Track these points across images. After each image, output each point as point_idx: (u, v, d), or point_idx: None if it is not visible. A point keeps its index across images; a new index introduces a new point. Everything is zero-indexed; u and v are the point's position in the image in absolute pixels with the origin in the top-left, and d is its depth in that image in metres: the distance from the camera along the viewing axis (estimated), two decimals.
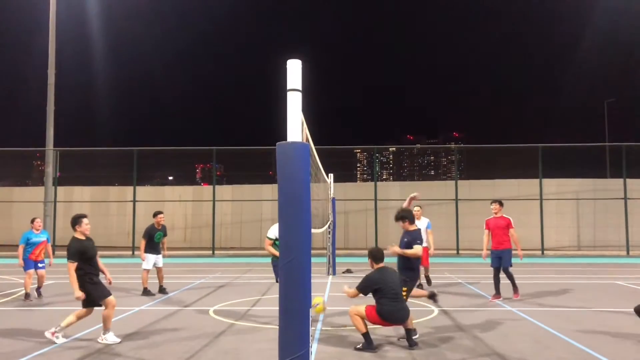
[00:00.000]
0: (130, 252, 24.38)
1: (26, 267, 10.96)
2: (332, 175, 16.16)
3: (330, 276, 14.92)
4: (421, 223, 11.67)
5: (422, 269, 10.42)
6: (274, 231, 8.94)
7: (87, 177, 30.94)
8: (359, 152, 41.26)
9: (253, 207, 28.21)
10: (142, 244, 11.80)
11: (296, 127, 4.29)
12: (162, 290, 11.75)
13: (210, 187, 30.08)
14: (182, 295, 11.63)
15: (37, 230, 11.20)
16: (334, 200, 15.80)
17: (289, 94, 4.30)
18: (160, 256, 11.96)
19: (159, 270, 11.85)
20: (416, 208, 11.72)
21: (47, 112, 24.55)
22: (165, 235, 12.10)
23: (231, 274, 16.00)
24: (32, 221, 11.31)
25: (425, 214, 12.58)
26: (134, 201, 25.26)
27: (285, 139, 4.24)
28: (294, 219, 4.20)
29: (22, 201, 28.31)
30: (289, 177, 4.22)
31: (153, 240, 11.78)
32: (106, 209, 29.59)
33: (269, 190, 29.58)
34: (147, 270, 11.66)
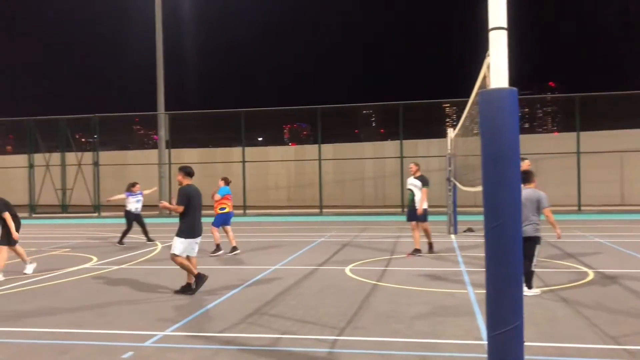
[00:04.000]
0: (242, 211, 25.00)
1: None
2: (451, 130, 15.43)
3: (452, 235, 14.42)
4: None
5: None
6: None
7: (195, 140, 31.95)
8: (447, 107, 39.63)
9: (354, 165, 27.93)
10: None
11: (503, 72, 3.79)
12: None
13: (310, 146, 30.16)
14: (310, 253, 11.60)
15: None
16: (451, 156, 15.10)
17: (492, 33, 3.80)
18: None
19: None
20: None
21: (157, 78, 25.29)
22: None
23: (348, 232, 15.88)
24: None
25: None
26: (243, 161, 25.74)
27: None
28: (502, 178, 3.74)
29: (136, 164, 29.71)
30: (495, 130, 3.74)
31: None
32: (213, 170, 30.46)
33: (371, 148, 29.19)
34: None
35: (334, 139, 30.76)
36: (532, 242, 7.11)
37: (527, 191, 7.29)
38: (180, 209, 7.82)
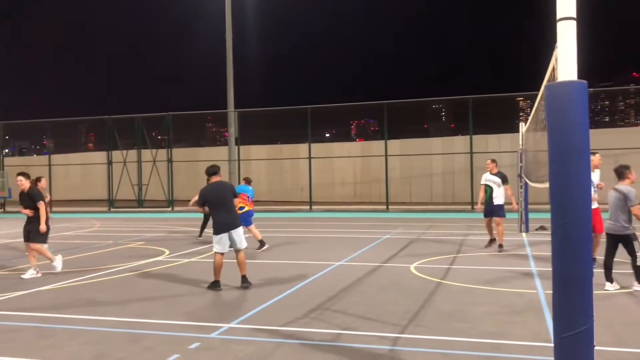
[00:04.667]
0: (308, 207, 25.24)
1: None
2: (522, 124, 14.91)
3: (524, 233, 13.94)
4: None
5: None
6: None
7: (263, 136, 32.53)
8: (521, 100, 38.32)
9: (422, 161, 27.50)
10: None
11: (571, 64, 3.62)
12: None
13: (377, 142, 29.97)
14: (375, 250, 11.56)
15: None
16: (523, 151, 14.58)
17: (560, 23, 3.64)
18: None
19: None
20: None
21: (227, 77, 25.93)
22: None
23: (414, 229, 15.70)
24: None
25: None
26: (309, 158, 25.93)
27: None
28: (570, 174, 3.58)
29: (207, 160, 30.56)
30: (563, 124, 3.59)
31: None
32: (280, 166, 30.92)
33: (439, 144, 28.67)
34: None
35: (402, 135, 30.47)
36: (626, 240, 7.15)
37: (617, 187, 7.29)
38: (201, 209, 8.56)
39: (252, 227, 12.15)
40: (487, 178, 11.45)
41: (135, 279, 8.89)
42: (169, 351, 5.12)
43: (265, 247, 11.89)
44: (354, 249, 11.75)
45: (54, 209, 28.52)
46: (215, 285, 7.97)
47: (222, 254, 7.98)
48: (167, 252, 11.92)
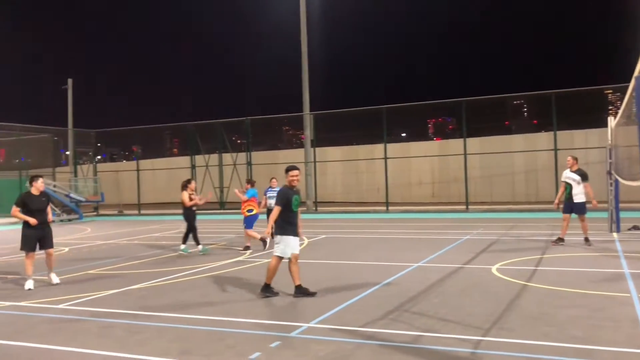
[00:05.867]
0: (385, 208, 25.10)
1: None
2: (611, 118, 14.11)
3: (614, 233, 13.18)
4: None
5: None
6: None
7: (339, 138, 32.71)
8: (610, 93, 36.22)
9: (503, 159, 26.61)
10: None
11: None
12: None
13: (455, 140, 29.32)
14: (455, 251, 11.32)
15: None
16: (612, 147, 13.78)
17: None
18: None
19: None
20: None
21: (302, 80, 26.28)
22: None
23: (495, 229, 15.23)
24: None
25: None
26: (385, 158, 25.77)
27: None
28: None
29: (285, 163, 31.10)
30: None
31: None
32: (356, 167, 30.94)
33: (521, 141, 27.67)
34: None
35: (481, 132, 29.68)
36: None
37: None
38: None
39: (252, 230, 12.41)
40: (567, 175, 11.50)
41: (218, 279, 9.18)
42: (250, 349, 5.25)
43: (267, 245, 12.11)
44: (432, 250, 11.56)
45: (142, 211, 30.06)
46: (301, 290, 7.56)
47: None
48: (248, 252, 12.23)
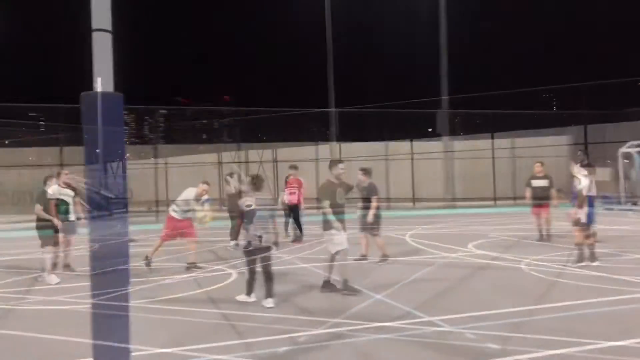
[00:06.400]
0: (411, 204, 24.98)
1: None
2: None
3: None
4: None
5: None
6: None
7: (364, 134, 32.53)
8: None
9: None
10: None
11: None
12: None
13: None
14: (483, 247, 11.17)
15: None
16: None
17: None
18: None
19: None
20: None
21: (327, 76, 26.23)
22: None
23: (519, 225, 14.91)
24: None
25: None
26: (411, 154, 25.59)
27: None
28: None
29: (309, 160, 30.93)
30: None
31: None
32: (380, 165, 30.60)
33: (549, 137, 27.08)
34: None
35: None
36: None
37: None
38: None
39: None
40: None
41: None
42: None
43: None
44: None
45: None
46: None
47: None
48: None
